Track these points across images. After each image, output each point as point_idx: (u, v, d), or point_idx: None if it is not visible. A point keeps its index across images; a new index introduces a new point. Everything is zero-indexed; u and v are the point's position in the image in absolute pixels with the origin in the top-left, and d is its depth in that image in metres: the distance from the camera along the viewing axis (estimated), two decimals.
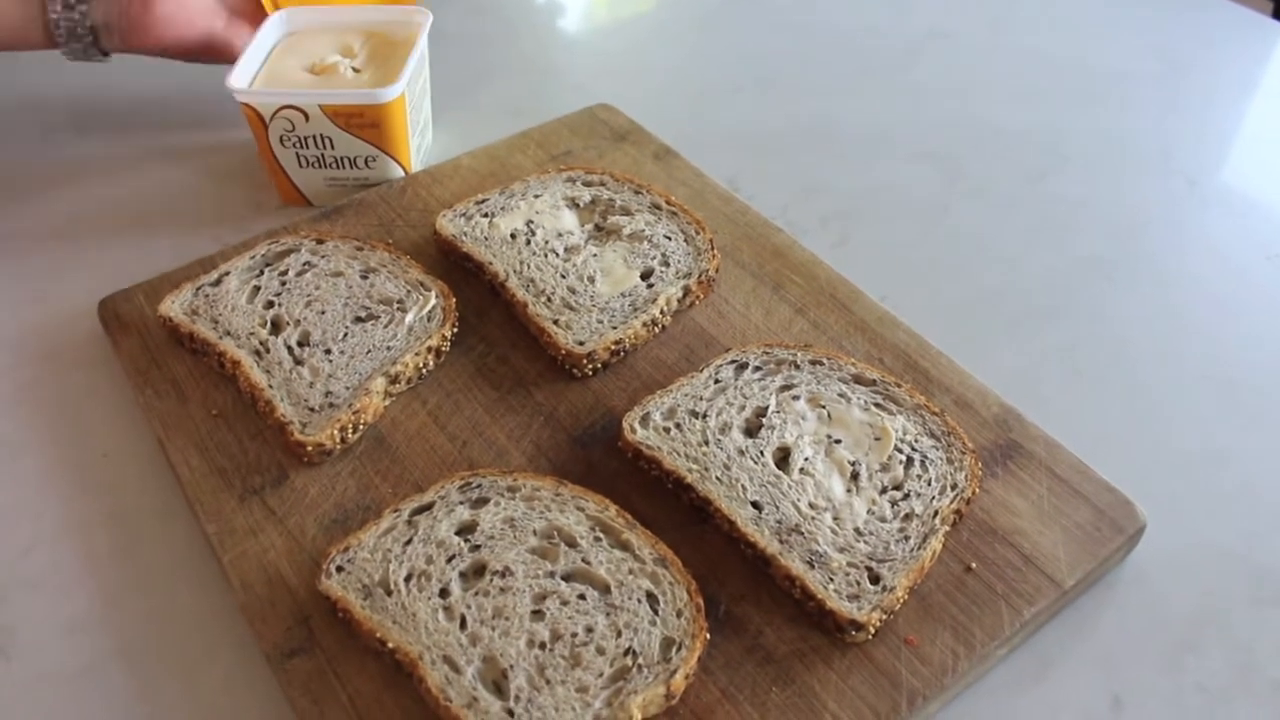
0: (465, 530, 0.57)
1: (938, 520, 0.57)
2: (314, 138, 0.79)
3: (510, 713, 0.49)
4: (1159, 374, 0.71)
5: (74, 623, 0.58)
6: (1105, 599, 0.59)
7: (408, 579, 0.55)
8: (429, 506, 0.58)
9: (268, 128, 0.78)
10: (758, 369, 0.65)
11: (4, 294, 0.77)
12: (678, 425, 0.61)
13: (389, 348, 0.66)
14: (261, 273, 0.72)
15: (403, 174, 0.83)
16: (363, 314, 0.69)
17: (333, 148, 0.80)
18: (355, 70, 0.82)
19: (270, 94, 0.77)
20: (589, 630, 0.52)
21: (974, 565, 0.57)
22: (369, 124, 0.78)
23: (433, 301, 0.69)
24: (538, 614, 0.53)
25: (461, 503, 0.58)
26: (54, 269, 0.78)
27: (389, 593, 0.54)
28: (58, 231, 0.82)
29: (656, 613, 0.53)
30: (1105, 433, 0.66)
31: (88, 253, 0.80)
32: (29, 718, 0.54)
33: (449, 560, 0.55)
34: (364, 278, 0.71)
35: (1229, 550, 0.61)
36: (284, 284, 0.71)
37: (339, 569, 0.55)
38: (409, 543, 0.56)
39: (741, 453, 0.60)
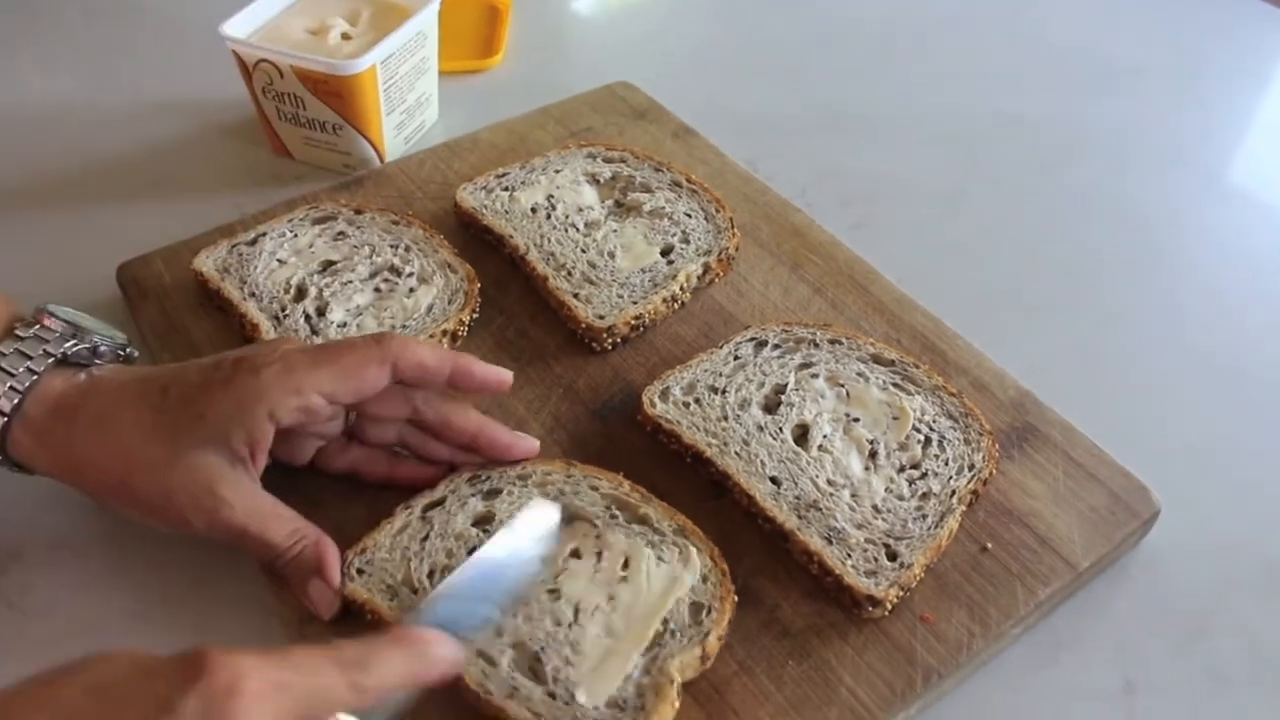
0: (482, 521, 0.56)
1: (955, 500, 0.57)
2: (289, 95, 0.80)
3: (551, 695, 0.49)
4: (1172, 365, 0.72)
5: (91, 583, 0.58)
6: (1118, 583, 0.59)
7: (430, 575, 0.54)
8: (441, 502, 0.57)
9: (252, 77, 0.80)
10: (777, 347, 0.65)
11: (23, 258, 0.77)
12: (697, 400, 0.62)
13: (404, 327, 0.66)
14: (296, 237, 0.72)
15: (372, 151, 0.82)
16: (383, 286, 0.69)
17: (304, 108, 0.80)
18: (345, 37, 0.82)
19: (250, 45, 0.78)
20: (612, 600, 0.52)
21: (990, 545, 0.57)
22: (334, 93, 0.78)
23: (434, 292, 0.68)
24: (555, 593, 0.52)
25: (473, 495, 0.57)
26: (72, 233, 0.78)
27: (414, 591, 0.53)
28: (75, 196, 0.82)
29: None
30: (1118, 421, 0.65)
31: (106, 217, 0.80)
32: None
33: (470, 552, 0.54)
34: (393, 250, 0.71)
35: (1241, 539, 0.62)
36: (314, 251, 0.71)
37: (360, 571, 0.54)
38: (426, 539, 0.55)
39: (760, 429, 0.60)
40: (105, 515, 0.61)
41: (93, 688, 0.36)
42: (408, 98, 0.84)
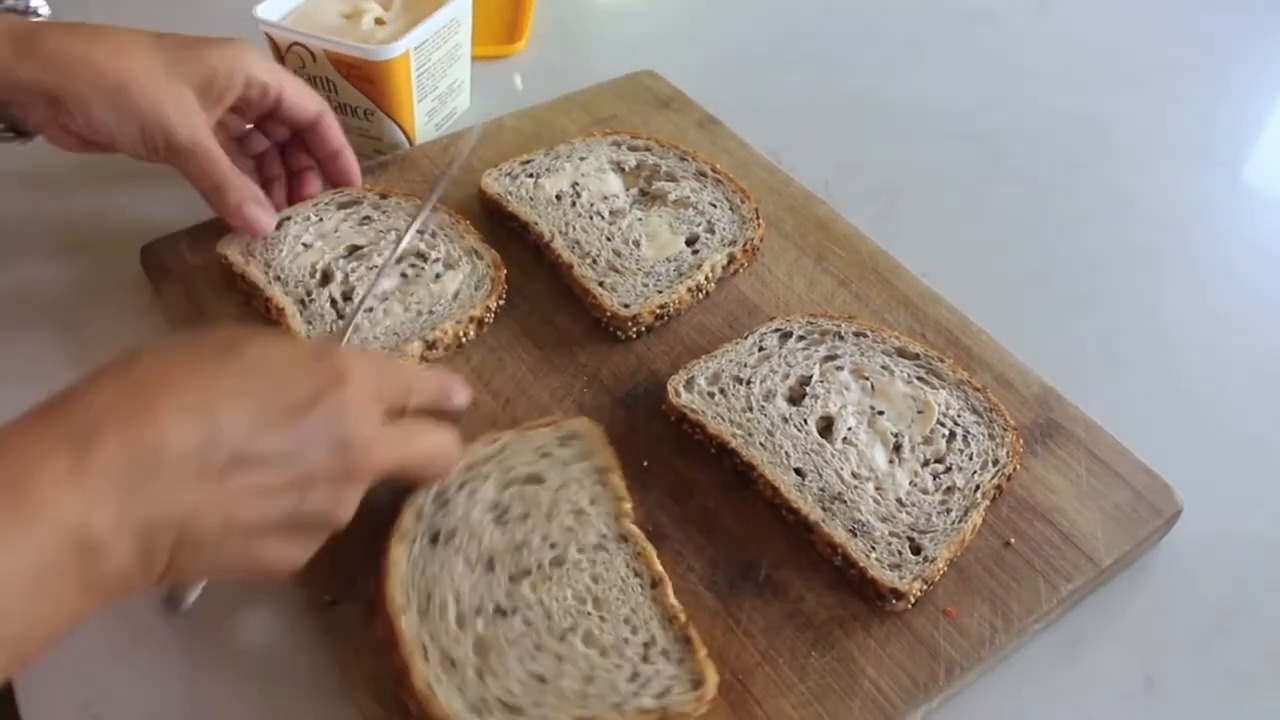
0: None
1: (979, 494, 0.57)
2: (321, 79, 0.80)
3: None
4: (1195, 363, 0.72)
5: None
6: (1139, 581, 0.59)
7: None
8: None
9: (284, 60, 0.80)
10: (802, 338, 0.65)
11: (47, 238, 0.77)
12: (722, 391, 0.62)
13: (431, 312, 0.66)
14: (321, 221, 0.72)
15: (403, 137, 0.83)
16: (409, 272, 0.69)
17: (336, 93, 0.80)
18: (379, 22, 0.82)
19: (284, 29, 0.78)
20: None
21: (1013, 540, 0.57)
22: (366, 78, 0.78)
23: (462, 277, 0.69)
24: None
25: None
26: (96, 213, 0.79)
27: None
28: (101, 175, 0.82)
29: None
30: (1141, 418, 0.65)
31: (131, 197, 0.80)
32: (65, 648, 0.54)
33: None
34: (419, 235, 0.71)
35: (1262, 538, 0.62)
36: (339, 236, 0.71)
37: None
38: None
39: (785, 420, 0.60)
40: None
41: (260, 363, 0.45)
42: (440, 84, 0.84)
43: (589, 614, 0.52)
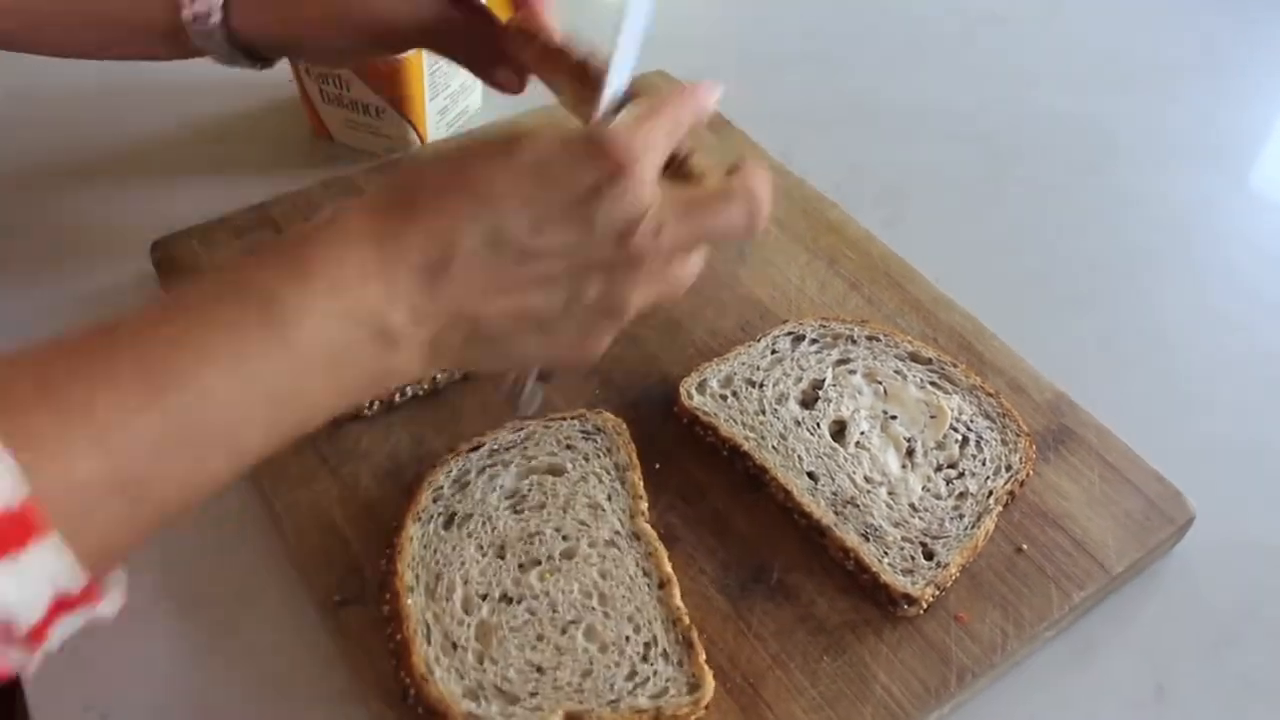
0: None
1: (991, 500, 0.57)
2: (334, 76, 0.80)
3: None
4: (1203, 367, 0.72)
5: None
6: (1150, 588, 0.59)
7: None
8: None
9: None
10: (814, 341, 0.65)
11: (54, 236, 0.77)
12: (734, 393, 0.62)
13: None
14: None
15: (414, 136, 0.82)
16: None
17: (348, 90, 0.80)
18: None
19: None
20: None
21: (1025, 546, 0.57)
22: (378, 76, 0.78)
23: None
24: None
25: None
26: (107, 208, 0.78)
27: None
28: (112, 171, 0.82)
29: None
30: (1150, 424, 0.65)
31: (142, 194, 0.80)
32: (74, 651, 0.54)
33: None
34: None
35: (1274, 545, 0.62)
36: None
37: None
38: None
39: (798, 423, 0.60)
40: None
41: (535, 164, 0.44)
42: (452, 83, 0.84)
43: (593, 609, 0.52)
